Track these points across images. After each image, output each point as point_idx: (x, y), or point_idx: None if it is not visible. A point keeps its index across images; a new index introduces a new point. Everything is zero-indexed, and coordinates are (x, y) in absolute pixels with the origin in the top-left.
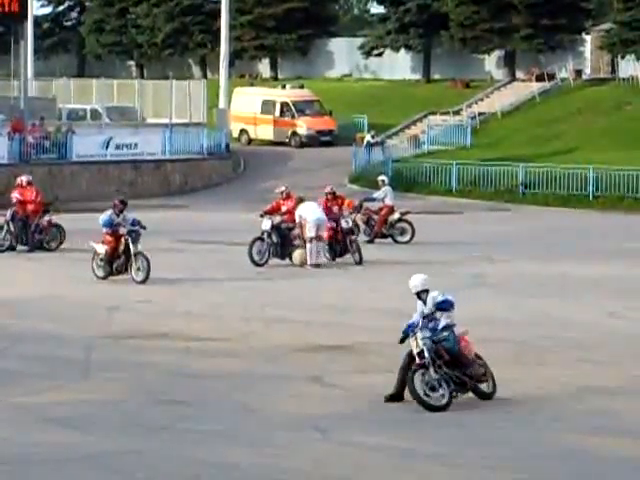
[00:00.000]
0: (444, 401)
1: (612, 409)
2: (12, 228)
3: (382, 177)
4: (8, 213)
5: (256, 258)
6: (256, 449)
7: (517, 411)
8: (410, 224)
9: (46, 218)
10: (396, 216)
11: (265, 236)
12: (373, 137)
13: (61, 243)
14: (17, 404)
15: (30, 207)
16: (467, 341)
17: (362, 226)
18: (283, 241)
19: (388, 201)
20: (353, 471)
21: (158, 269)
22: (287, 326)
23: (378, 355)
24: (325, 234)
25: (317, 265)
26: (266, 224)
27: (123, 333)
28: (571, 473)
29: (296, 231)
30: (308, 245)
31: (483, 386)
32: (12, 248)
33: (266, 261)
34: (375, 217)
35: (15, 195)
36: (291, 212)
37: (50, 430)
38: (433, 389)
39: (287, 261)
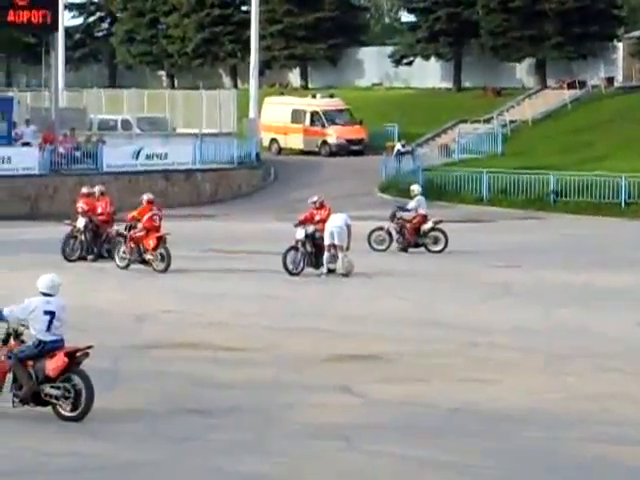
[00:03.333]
0: None
1: (637, 419)
2: (83, 238)
3: (414, 186)
4: (81, 223)
5: (290, 267)
6: (283, 459)
7: (542, 421)
8: (443, 233)
9: (115, 228)
10: (429, 225)
11: (299, 245)
12: (404, 146)
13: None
14: (42, 413)
15: (101, 217)
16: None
17: (395, 235)
18: (317, 250)
19: (421, 210)
20: None
21: (186, 278)
22: (313, 336)
23: (404, 364)
24: (344, 243)
25: (330, 271)
26: (300, 233)
27: (150, 343)
28: None
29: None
30: (325, 254)
31: (63, 409)
32: (83, 258)
33: (301, 270)
34: (408, 226)
35: (80, 205)
36: (325, 221)
37: (76, 440)
38: None
39: (319, 270)
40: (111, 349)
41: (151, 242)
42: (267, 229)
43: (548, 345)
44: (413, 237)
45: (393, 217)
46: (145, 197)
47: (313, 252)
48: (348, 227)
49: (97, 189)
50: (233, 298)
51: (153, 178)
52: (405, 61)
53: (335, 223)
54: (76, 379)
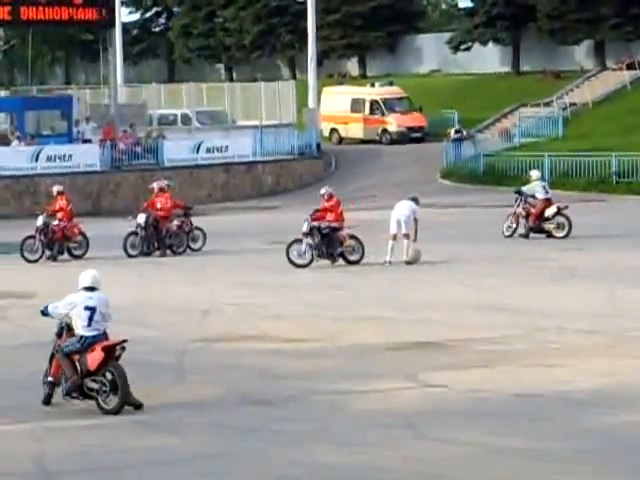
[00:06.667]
0: None
1: None
2: (144, 234)
3: (533, 172)
4: (142, 219)
5: (297, 261)
6: (349, 448)
7: (611, 404)
8: (567, 219)
9: (175, 223)
10: (553, 210)
11: (303, 237)
12: (457, 132)
13: (188, 246)
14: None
15: (160, 213)
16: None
17: (522, 221)
18: (328, 241)
19: (540, 195)
20: (447, 468)
21: (249, 270)
22: (377, 324)
23: (470, 351)
24: (411, 232)
25: (389, 262)
26: (304, 226)
27: (214, 336)
28: None
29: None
30: (390, 242)
31: (103, 402)
32: (146, 254)
33: (309, 262)
34: (533, 211)
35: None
36: (332, 211)
37: (145, 435)
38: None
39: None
40: (176, 343)
41: (76, 230)
42: None
43: (616, 328)
44: (534, 222)
45: (520, 202)
46: (55, 188)
47: (324, 243)
48: (415, 216)
49: (156, 185)
50: (296, 289)
51: (214, 171)
52: (463, 47)
53: (401, 212)
54: (113, 373)
